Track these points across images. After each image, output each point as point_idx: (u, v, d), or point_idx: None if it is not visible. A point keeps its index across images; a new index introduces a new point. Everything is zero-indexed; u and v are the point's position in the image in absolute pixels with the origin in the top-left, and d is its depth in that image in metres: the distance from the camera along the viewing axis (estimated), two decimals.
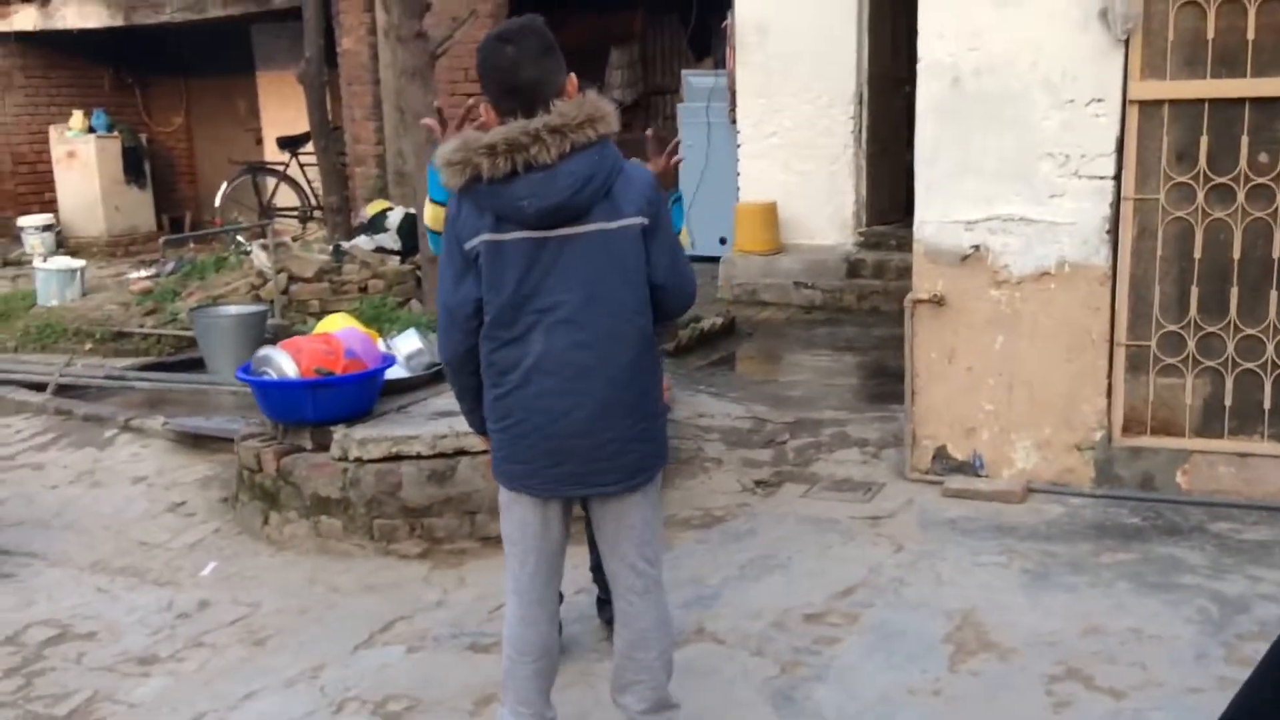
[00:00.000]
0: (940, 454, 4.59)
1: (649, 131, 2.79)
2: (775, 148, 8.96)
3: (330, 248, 9.09)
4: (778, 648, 3.27)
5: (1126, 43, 4.10)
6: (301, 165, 12.04)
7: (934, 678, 3.05)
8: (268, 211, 11.83)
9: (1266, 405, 4.17)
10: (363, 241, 9.29)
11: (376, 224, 9.72)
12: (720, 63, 10.36)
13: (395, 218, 9.72)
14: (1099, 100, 4.18)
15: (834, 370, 6.55)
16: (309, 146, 12.14)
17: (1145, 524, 4.07)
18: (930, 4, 4.37)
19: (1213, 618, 3.30)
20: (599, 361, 2.42)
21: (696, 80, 10.03)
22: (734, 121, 9.24)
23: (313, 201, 12.16)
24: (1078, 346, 4.36)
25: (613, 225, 2.41)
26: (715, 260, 9.24)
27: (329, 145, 9.75)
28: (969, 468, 4.54)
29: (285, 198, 12.13)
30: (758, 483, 4.64)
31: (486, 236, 2.38)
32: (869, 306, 8.18)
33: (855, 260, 8.50)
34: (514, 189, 2.34)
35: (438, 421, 4.23)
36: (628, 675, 2.62)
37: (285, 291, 8.29)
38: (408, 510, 4.09)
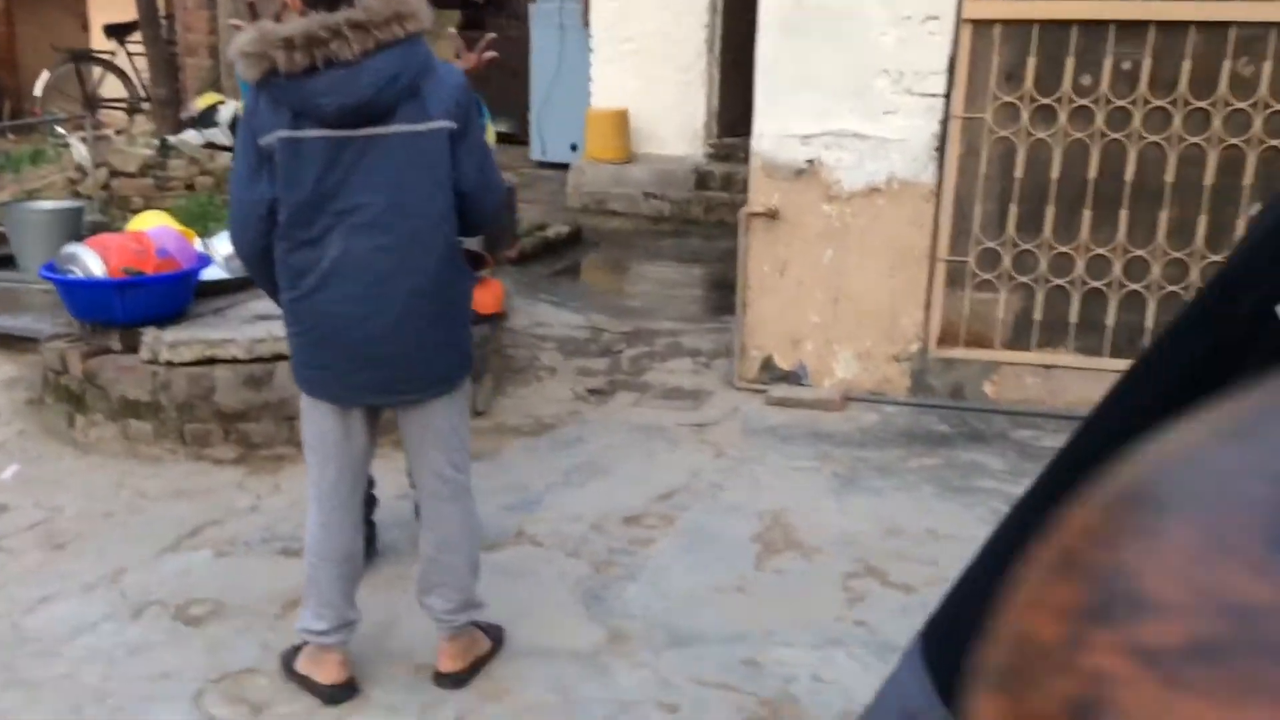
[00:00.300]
0: (767, 364, 4.68)
1: (452, 30, 2.67)
2: (629, 54, 8.85)
3: (156, 142, 8.63)
4: (594, 549, 3.31)
5: None
6: (130, 54, 11.33)
7: (740, 575, 3.13)
8: (92, 103, 11.15)
9: (1073, 320, 4.37)
10: (191, 136, 8.84)
11: (207, 118, 9.25)
12: None
13: (227, 112, 9.25)
14: (934, 18, 4.22)
15: (676, 281, 6.58)
16: (138, 35, 11.48)
17: (953, 431, 4.24)
18: None
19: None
20: (402, 267, 2.36)
21: None
22: (587, 25, 9.08)
23: (141, 93, 11.49)
24: (901, 262, 4.46)
25: (420, 127, 2.33)
26: (565, 167, 9.13)
27: (158, 34, 9.19)
28: (794, 377, 4.64)
29: (112, 88, 11.43)
30: (590, 391, 4.65)
31: (282, 133, 2.28)
32: (716, 219, 8.21)
33: (704, 172, 8.51)
34: (313, 85, 2.24)
35: (255, 325, 4.08)
36: (433, 578, 2.61)
37: (106, 187, 7.85)
38: (222, 415, 3.96)
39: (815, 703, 2.54)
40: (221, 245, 4.56)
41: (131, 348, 4.02)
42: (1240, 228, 4.10)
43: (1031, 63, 4.21)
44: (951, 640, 1.12)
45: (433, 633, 2.72)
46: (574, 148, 9.35)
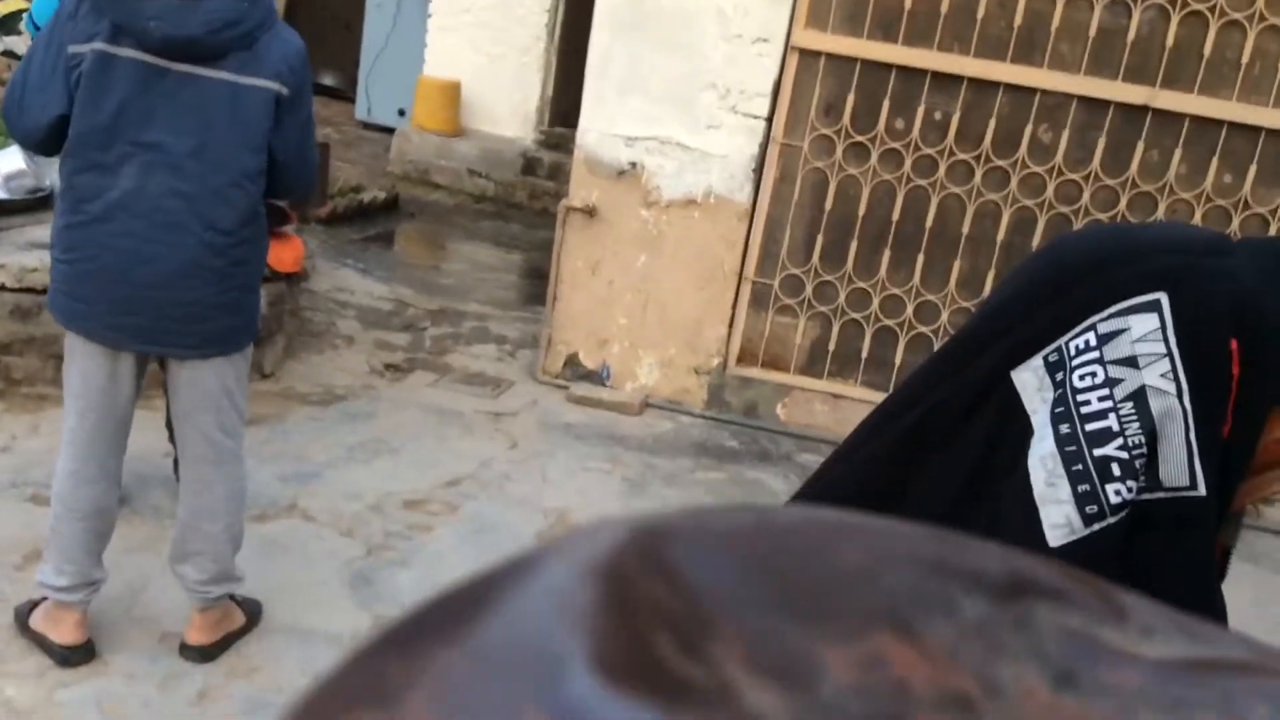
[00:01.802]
0: (572, 360, 4.69)
1: None
2: (467, 25, 8.70)
3: None
4: (370, 530, 3.23)
5: None
6: None
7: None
8: None
9: (864, 354, 4.55)
10: None
11: (8, 25, 8.59)
12: None
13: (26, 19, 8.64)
14: (764, 40, 4.32)
15: (491, 265, 6.52)
16: None
17: (741, 448, 4.35)
18: None
19: None
20: (196, 216, 2.25)
21: None
22: None
23: None
24: (710, 276, 4.55)
25: (245, 80, 2.24)
26: (390, 131, 8.91)
27: None
28: (596, 377, 4.67)
29: None
30: (388, 366, 4.55)
31: (98, 45, 2.14)
32: (540, 207, 8.18)
33: (533, 158, 8.46)
34: (143, 5, 2.12)
35: (29, 253, 3.80)
36: (190, 545, 2.49)
37: None
38: None
39: None
40: (4, 163, 4.23)
41: None
42: None
43: (851, 99, 4.35)
44: None
45: (184, 601, 2.60)
46: (401, 113, 9.13)
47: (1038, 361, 0.98)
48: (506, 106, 8.75)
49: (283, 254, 4.34)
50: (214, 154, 2.24)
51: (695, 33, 4.33)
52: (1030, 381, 0.99)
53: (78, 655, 2.44)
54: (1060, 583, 0.27)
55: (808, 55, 4.33)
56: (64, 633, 2.44)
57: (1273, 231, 4.13)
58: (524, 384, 4.63)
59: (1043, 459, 0.95)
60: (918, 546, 0.28)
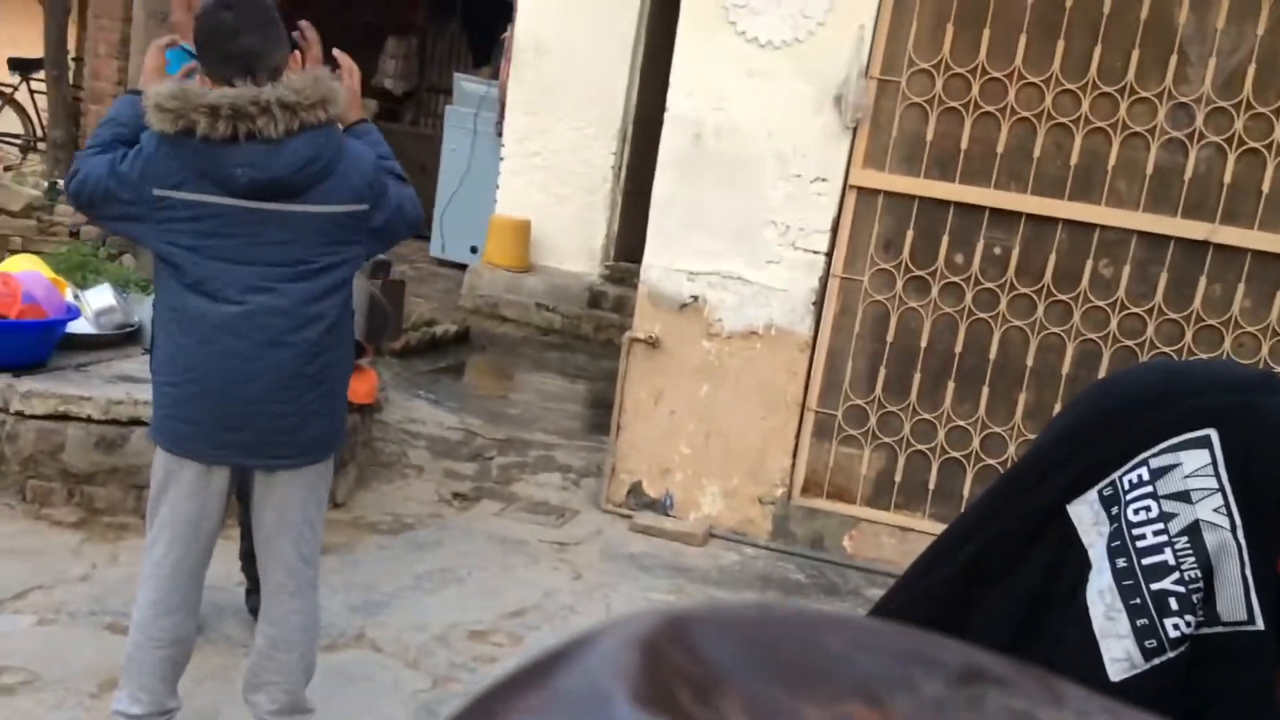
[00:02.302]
0: (635, 489, 4.72)
1: (303, 23, 2.64)
2: (537, 167, 9.03)
3: (46, 184, 8.42)
4: (435, 661, 3.25)
5: (854, 131, 4.39)
6: (33, 92, 11.10)
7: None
8: None
9: (931, 485, 4.53)
10: None
11: None
12: (496, 73, 10.37)
13: None
14: (823, 180, 4.44)
15: (557, 395, 6.62)
16: (43, 73, 11.26)
17: (808, 581, 4.32)
18: (684, 60, 4.54)
19: None
20: (291, 332, 2.38)
21: (468, 85, 9.98)
22: (500, 134, 9.25)
23: (39, 133, 11.23)
24: (773, 406, 4.59)
25: (329, 209, 2.39)
26: (463, 268, 9.18)
27: (63, 75, 9.06)
28: (660, 506, 4.69)
29: (8, 123, 11.15)
30: (455, 495, 4.62)
31: (185, 195, 2.28)
32: (604, 338, 8.32)
33: (598, 291, 8.65)
34: (230, 154, 2.27)
35: (116, 386, 3.98)
36: (263, 675, 2.54)
37: None
38: (68, 475, 3.82)
39: None
40: (95, 299, 4.46)
41: None
42: None
43: (910, 235, 4.44)
44: None
45: None
46: (474, 250, 9.42)
47: (1093, 495, 1.01)
48: (573, 243, 8.99)
49: (358, 386, 4.46)
50: (306, 275, 2.39)
51: (755, 173, 4.47)
52: (1086, 515, 1.02)
53: None
54: (1009, 672, 0.34)
55: (866, 193, 4.44)
56: None
57: None
58: (588, 513, 4.67)
59: (1101, 592, 0.97)
60: (890, 639, 0.36)
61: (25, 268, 4.41)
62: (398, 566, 3.89)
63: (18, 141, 11.21)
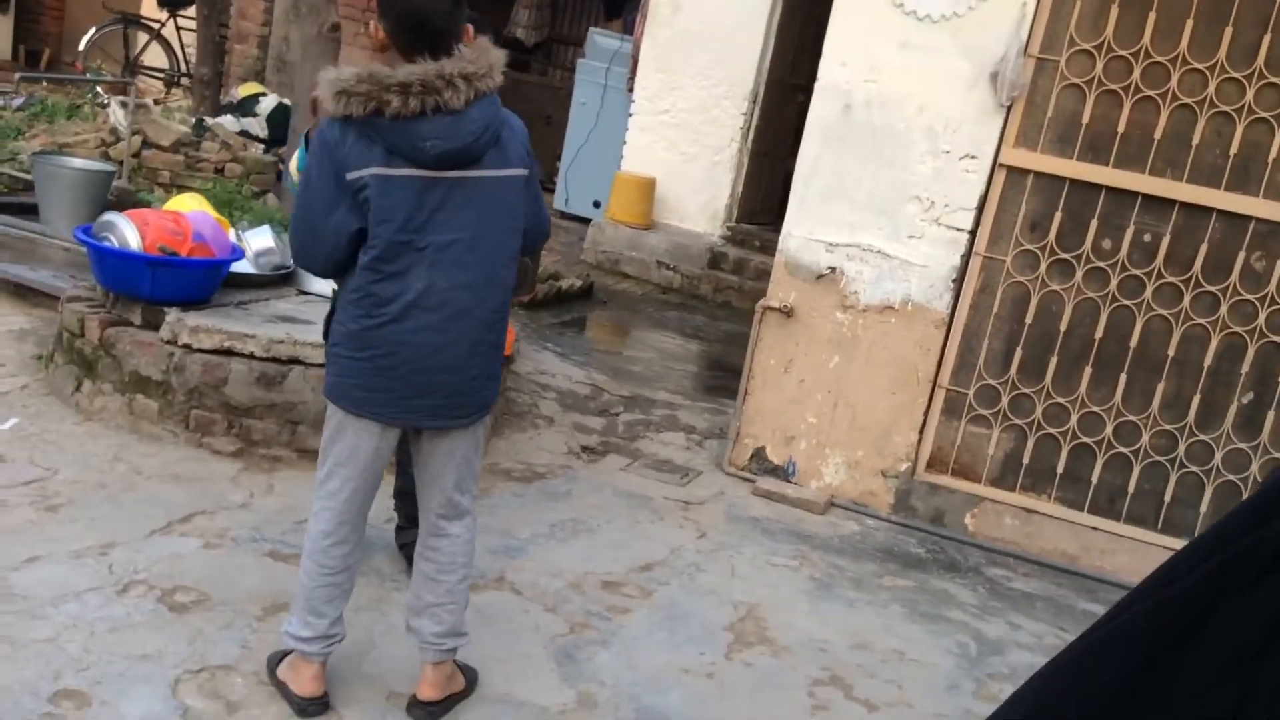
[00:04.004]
0: (758, 454, 4.79)
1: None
2: (665, 125, 9.06)
3: (193, 120, 8.73)
4: (571, 608, 3.38)
5: (1009, 109, 4.33)
6: (179, 27, 11.49)
7: (710, 661, 3.21)
8: (133, 67, 11.25)
9: (1059, 470, 4.50)
10: (228, 121, 8.96)
11: (246, 107, 9.38)
12: (629, 28, 10.38)
13: (267, 104, 9.40)
14: (972, 157, 4.40)
15: (677, 354, 6.71)
16: (190, 10, 11.62)
17: (928, 556, 4.35)
18: (838, 30, 4.52)
19: (970, 654, 3.57)
20: (476, 303, 2.51)
21: (602, 40, 10.01)
22: (630, 90, 9.29)
23: (183, 68, 11.62)
24: (903, 381, 4.60)
25: (502, 173, 2.50)
26: (585, 221, 9.29)
27: (213, 14, 9.34)
28: (781, 472, 4.75)
29: (154, 57, 11.55)
30: (584, 448, 4.74)
31: (376, 170, 2.37)
32: (722, 300, 8.38)
33: (719, 252, 8.69)
34: (419, 128, 2.36)
35: (276, 325, 4.16)
36: (428, 598, 2.69)
37: (137, 155, 7.92)
38: (229, 407, 4.02)
39: None
40: (256, 240, 4.66)
41: (152, 325, 4.09)
42: (1232, 412, 4.27)
43: (1058, 217, 4.38)
44: None
45: (408, 663, 2.78)
46: (596, 204, 9.52)
47: None
48: (696, 203, 9.03)
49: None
50: (487, 244, 2.50)
51: (903, 146, 4.45)
52: None
53: (315, 707, 2.63)
54: None
55: (1015, 173, 4.39)
56: (303, 684, 2.64)
57: None
58: (711, 474, 4.75)
59: None
60: None
61: (192, 207, 4.63)
62: (532, 514, 4.02)
63: (161, 75, 11.62)
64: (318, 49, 7.42)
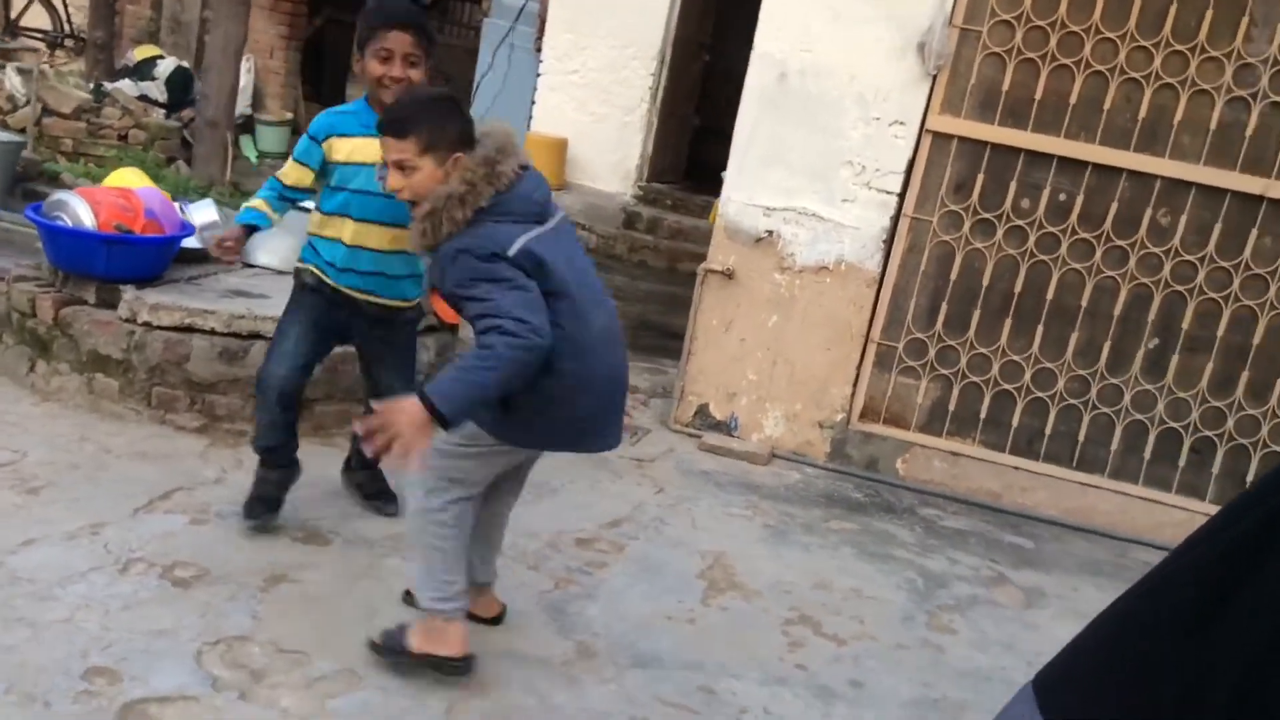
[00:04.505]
0: (702, 411, 5.00)
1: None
2: (574, 85, 9.12)
3: (90, 85, 8.48)
4: (553, 565, 3.55)
5: (934, 78, 4.58)
6: None
7: (689, 608, 3.42)
8: (13, 29, 10.79)
9: (982, 415, 4.83)
10: (126, 86, 8.74)
11: (143, 70, 9.14)
12: None
13: (166, 67, 9.18)
14: (901, 123, 4.65)
15: None
16: None
17: (867, 500, 4.63)
18: (773, 1, 4.69)
19: (918, 588, 3.86)
20: (619, 327, 2.71)
21: None
22: (539, 50, 9.31)
23: (66, 29, 11.19)
24: (838, 337, 4.86)
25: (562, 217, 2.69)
26: None
27: None
28: (725, 427, 4.98)
29: (35, 18, 11.09)
30: None
31: (525, 239, 2.45)
32: (638, 259, 8.53)
33: (632, 212, 8.82)
34: (525, 186, 2.52)
35: (234, 300, 4.19)
36: (491, 559, 3.05)
37: (37, 123, 7.69)
38: (191, 384, 4.05)
39: None
40: (200, 215, 4.64)
41: (108, 303, 4.08)
42: (1139, 357, 4.64)
43: (980, 179, 4.66)
44: (1066, 689, 1.45)
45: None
46: None
47: None
48: (608, 164, 9.14)
49: (448, 308, 4.70)
50: (590, 271, 2.68)
51: (836, 114, 4.67)
52: None
53: (468, 663, 2.77)
54: None
55: (941, 138, 4.65)
56: (454, 645, 2.74)
57: None
58: (659, 432, 4.95)
59: None
60: None
61: (131, 182, 4.60)
62: None
63: (44, 38, 11.16)
64: (227, 11, 7.31)
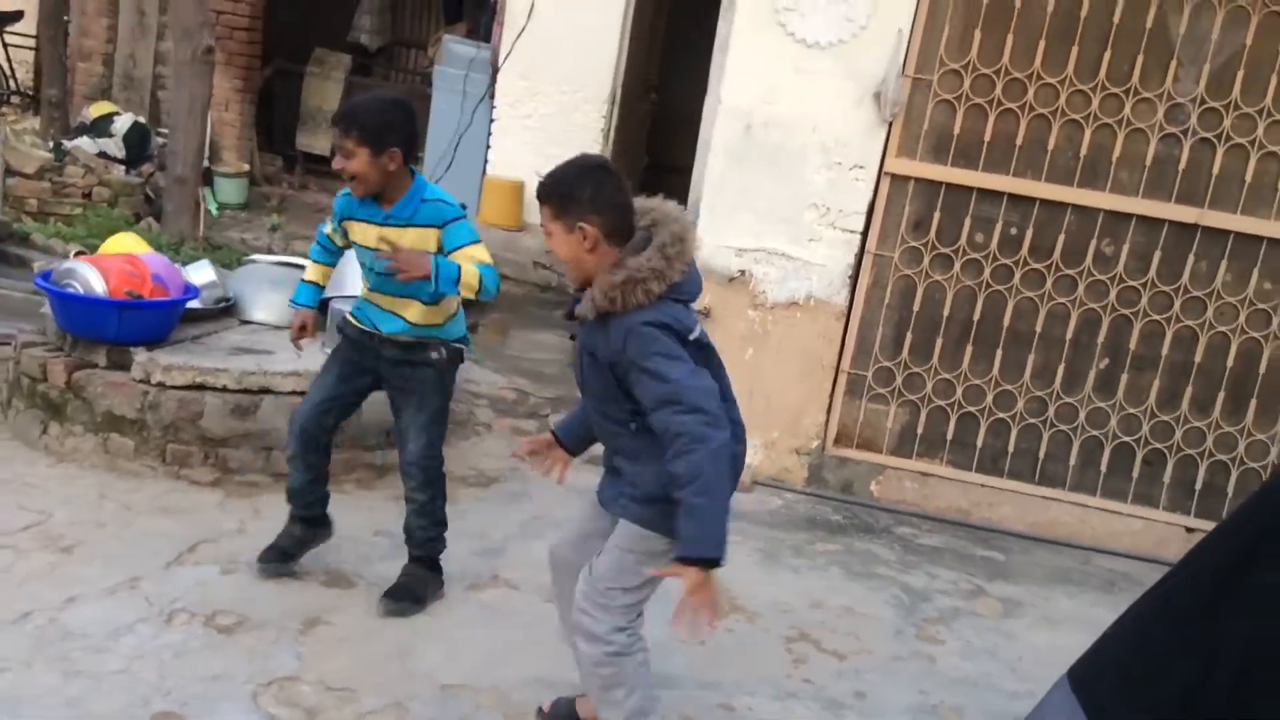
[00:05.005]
0: None
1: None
2: (529, 129, 9.40)
3: (50, 144, 8.55)
4: None
5: (890, 124, 4.91)
6: (5, 44, 11.08)
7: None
8: None
9: (949, 436, 5.14)
10: (85, 143, 8.80)
11: (100, 127, 9.21)
12: (478, 32, 10.61)
13: (123, 123, 9.26)
14: (861, 167, 4.96)
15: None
16: (17, 26, 11.22)
17: (846, 522, 4.91)
18: (739, 55, 4.98)
19: (904, 603, 4.13)
20: None
21: (458, 48, 10.21)
22: (492, 96, 9.57)
23: (11, 85, 11.22)
24: (810, 368, 5.14)
25: None
26: None
27: (57, 34, 9.12)
28: None
29: None
30: None
31: (697, 325, 2.61)
32: None
33: None
34: (695, 271, 2.61)
35: (242, 357, 4.36)
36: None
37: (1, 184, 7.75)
38: (205, 439, 4.21)
39: None
40: (198, 275, 4.81)
41: (120, 365, 4.23)
42: (1092, 377, 4.98)
43: (937, 216, 4.99)
44: (1096, 677, 1.72)
45: (446, 656, 3.12)
46: (463, 207, 9.73)
47: None
48: None
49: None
50: None
51: (800, 161, 4.97)
52: None
53: None
54: None
55: (898, 179, 4.97)
56: None
57: None
58: None
59: None
60: None
61: (127, 246, 4.76)
62: (499, 515, 4.36)
63: None
64: (192, 71, 7.46)
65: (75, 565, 3.48)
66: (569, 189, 2.55)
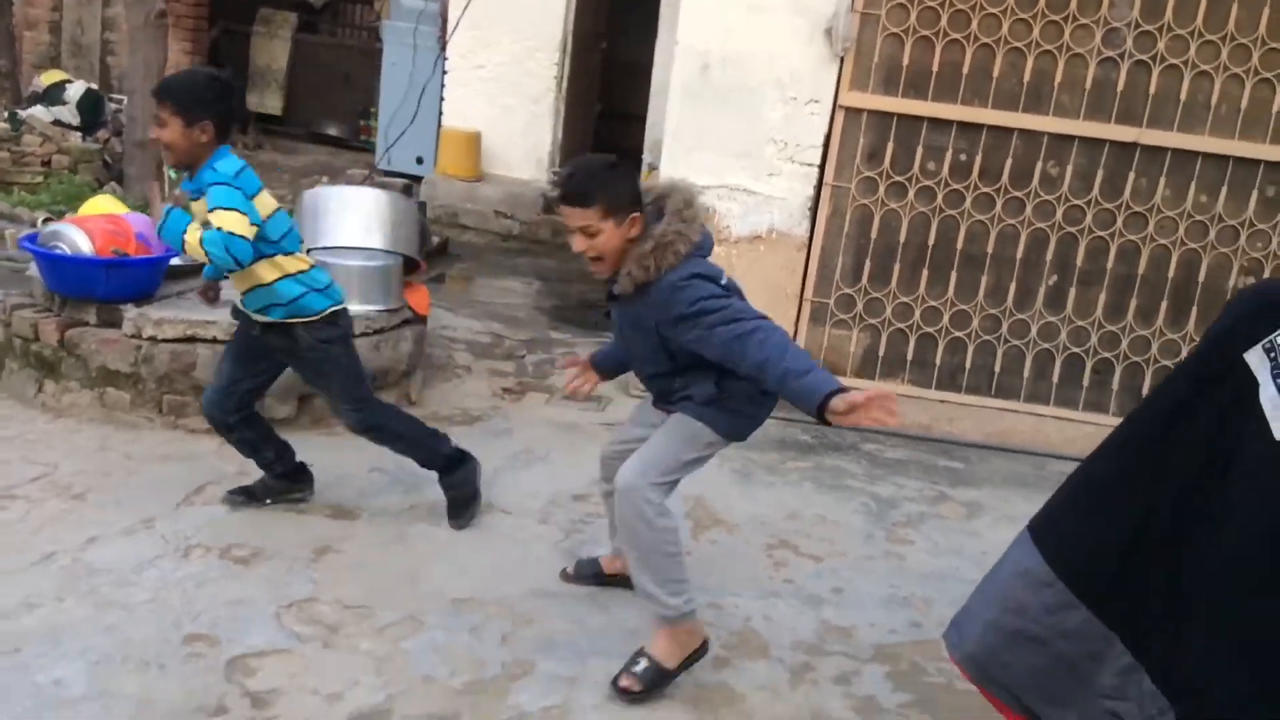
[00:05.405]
0: None
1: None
2: (482, 79, 9.47)
3: (4, 114, 8.52)
4: (559, 519, 3.98)
5: (842, 59, 5.10)
6: None
7: (684, 544, 3.88)
8: None
9: (909, 357, 5.39)
10: (40, 112, 8.78)
11: (53, 95, 9.18)
12: None
13: (75, 90, 9.23)
14: (816, 101, 5.15)
15: (548, 295, 7.28)
16: None
17: (815, 441, 5.16)
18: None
19: (873, 511, 4.40)
20: None
21: (406, 1, 10.24)
22: (443, 48, 9.61)
23: None
24: (775, 298, 5.35)
25: None
26: (408, 178, 9.61)
27: (5, 4, 9.04)
28: None
29: None
30: (505, 390, 5.29)
31: (723, 273, 2.99)
32: (561, 241, 8.91)
33: (551, 197, 9.22)
34: (706, 235, 3.07)
35: (228, 308, 4.49)
36: None
37: None
38: (198, 388, 4.34)
39: (770, 634, 3.34)
40: None
41: (110, 323, 4.36)
42: (1042, 293, 5.25)
43: (890, 146, 5.20)
44: (1053, 527, 1.95)
45: (449, 575, 3.33)
46: (419, 160, 9.83)
47: (1258, 349, 1.79)
48: (521, 151, 9.52)
49: (418, 300, 5.08)
50: None
51: (757, 98, 5.15)
52: (1254, 359, 1.79)
53: (707, 643, 3.03)
54: None
55: (852, 112, 5.18)
56: (696, 639, 3.00)
57: (1243, 243, 5.06)
58: (620, 398, 5.39)
59: (1270, 398, 1.75)
60: None
61: (106, 208, 4.86)
62: (487, 450, 4.53)
63: None
64: (145, 36, 7.48)
65: (89, 510, 3.64)
66: (613, 189, 2.84)
